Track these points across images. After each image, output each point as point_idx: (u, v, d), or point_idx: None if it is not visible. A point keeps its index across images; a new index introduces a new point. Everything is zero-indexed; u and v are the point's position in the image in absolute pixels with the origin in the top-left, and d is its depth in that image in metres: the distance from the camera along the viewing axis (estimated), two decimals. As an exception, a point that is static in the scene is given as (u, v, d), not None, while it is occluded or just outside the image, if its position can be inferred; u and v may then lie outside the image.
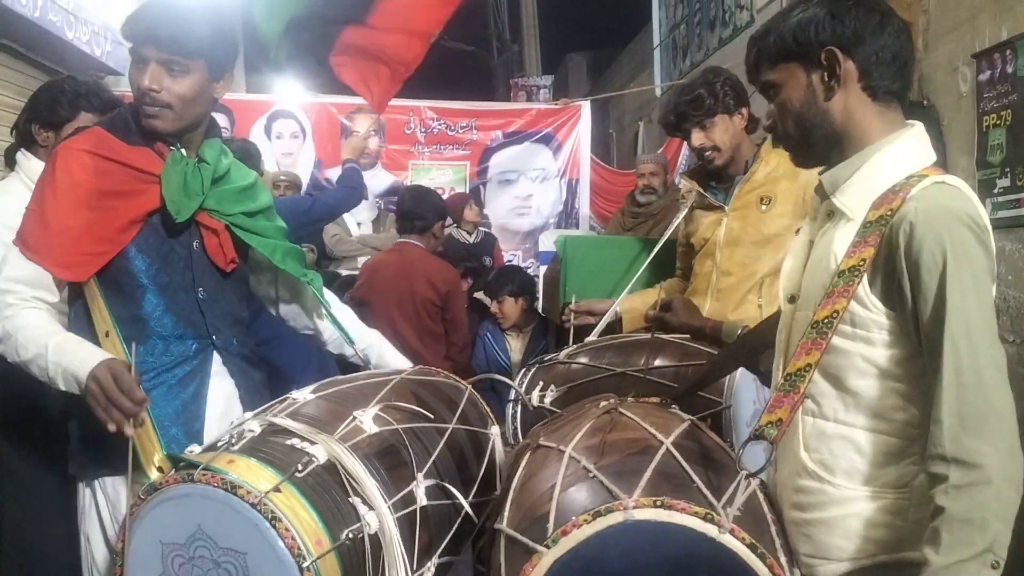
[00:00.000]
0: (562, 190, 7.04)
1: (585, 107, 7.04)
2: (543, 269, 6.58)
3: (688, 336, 2.08)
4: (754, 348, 1.55)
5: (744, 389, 1.96)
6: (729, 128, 2.54)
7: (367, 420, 1.54)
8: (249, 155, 3.30)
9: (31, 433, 1.92)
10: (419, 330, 3.57)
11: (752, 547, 1.03)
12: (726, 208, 2.60)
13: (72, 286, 1.73)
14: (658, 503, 1.04)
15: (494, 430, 1.93)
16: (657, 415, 1.43)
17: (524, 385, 2.23)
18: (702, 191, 2.67)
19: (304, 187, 5.99)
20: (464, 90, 11.89)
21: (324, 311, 2.04)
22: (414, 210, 3.81)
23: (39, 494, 1.94)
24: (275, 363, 2.43)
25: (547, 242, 6.65)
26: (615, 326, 2.67)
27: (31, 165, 2.10)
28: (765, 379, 1.58)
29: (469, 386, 1.98)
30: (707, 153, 2.56)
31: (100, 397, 1.43)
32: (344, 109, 6.79)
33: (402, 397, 1.70)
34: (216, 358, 1.83)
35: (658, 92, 10.00)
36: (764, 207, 2.56)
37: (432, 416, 1.68)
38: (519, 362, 4.17)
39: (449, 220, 6.22)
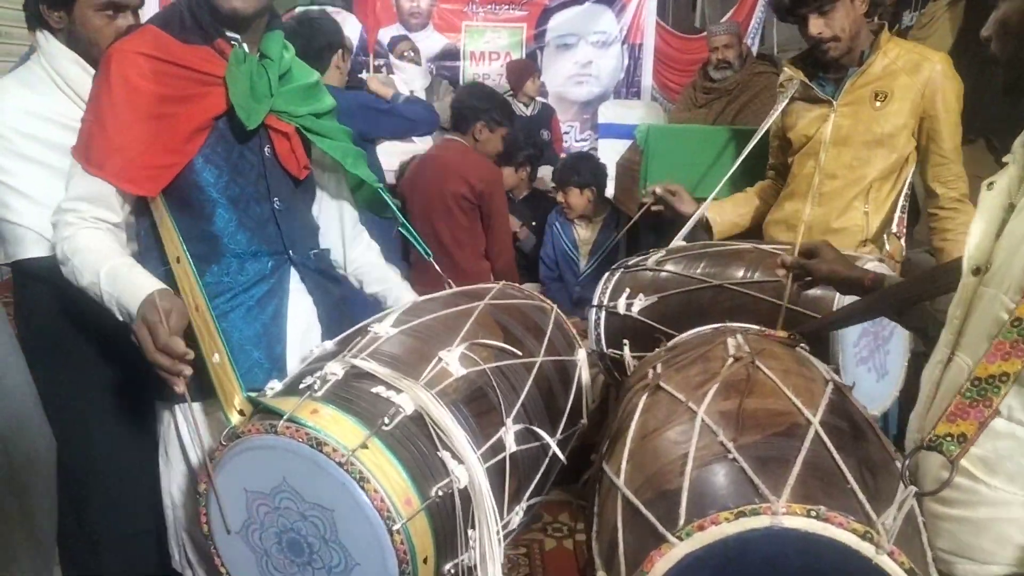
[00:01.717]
0: (623, 56, 6.65)
1: (653, -36, 6.53)
2: (601, 143, 6.37)
3: (788, 247, 1.91)
4: (908, 299, 1.35)
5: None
6: (850, 13, 2.23)
7: (453, 361, 1.43)
8: (321, 31, 3.00)
9: (105, 351, 1.83)
10: (452, 227, 3.42)
11: (911, 572, 0.91)
12: (834, 102, 2.34)
13: (138, 207, 1.60)
14: (812, 513, 0.92)
15: (580, 355, 1.82)
16: (796, 373, 1.28)
17: (609, 290, 2.10)
18: (807, 82, 2.40)
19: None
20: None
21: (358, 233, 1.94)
22: (457, 107, 3.57)
23: (114, 414, 1.87)
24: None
25: (607, 113, 6.37)
26: (697, 233, 2.48)
27: (51, 49, 1.82)
28: (919, 334, 1.41)
29: (555, 307, 1.85)
30: (825, 44, 2.27)
31: (147, 343, 1.31)
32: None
33: (488, 329, 1.58)
34: (294, 274, 1.71)
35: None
36: (879, 103, 2.29)
37: (519, 352, 1.56)
38: (588, 253, 4.03)
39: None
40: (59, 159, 1.69)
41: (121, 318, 1.42)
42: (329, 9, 6.25)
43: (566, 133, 6.57)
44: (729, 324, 1.62)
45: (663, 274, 2.04)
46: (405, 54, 5.64)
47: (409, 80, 5.59)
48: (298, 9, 3.62)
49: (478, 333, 1.54)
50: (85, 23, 1.80)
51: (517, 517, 1.48)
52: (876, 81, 2.29)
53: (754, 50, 6.03)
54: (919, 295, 1.32)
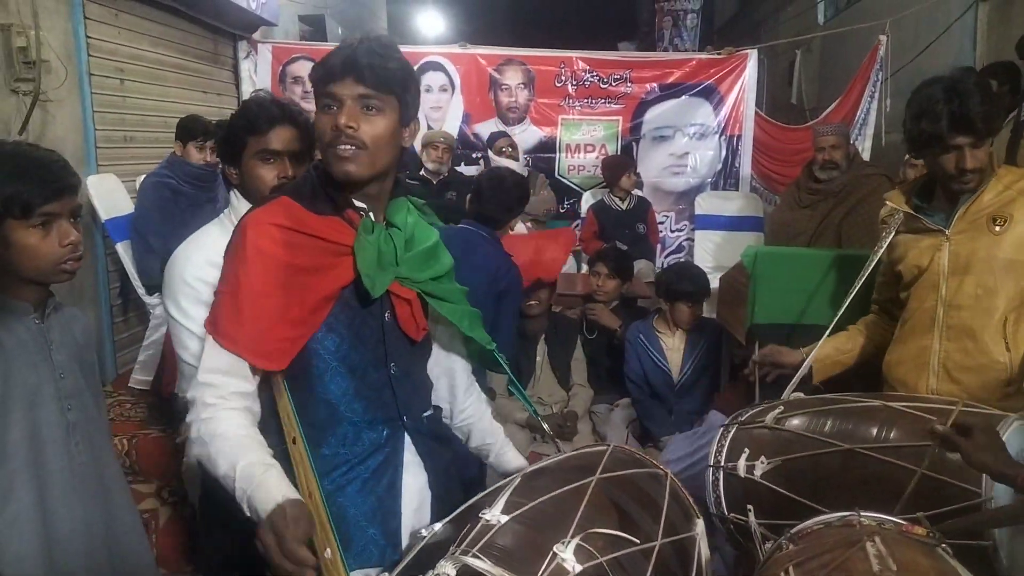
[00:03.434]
0: (721, 147, 6.58)
1: (752, 56, 6.47)
2: (697, 234, 6.29)
3: (925, 407, 1.78)
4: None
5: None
6: (989, 145, 2.14)
7: (569, 556, 1.35)
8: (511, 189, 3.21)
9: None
10: None
11: None
12: (946, 231, 2.22)
13: (260, 381, 1.59)
14: None
15: (699, 528, 1.71)
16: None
17: (725, 448, 1.99)
18: (913, 213, 2.29)
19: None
20: (604, 25, 11.37)
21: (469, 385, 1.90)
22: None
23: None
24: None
25: (704, 204, 6.31)
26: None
27: (237, 205, 1.99)
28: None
29: (669, 474, 1.77)
30: (968, 176, 2.16)
31: (272, 549, 1.29)
32: (493, 61, 6.55)
33: (602, 512, 1.51)
34: (408, 442, 1.68)
35: (820, 19, 9.16)
36: (998, 227, 2.17)
37: (636, 539, 1.48)
38: (680, 362, 3.88)
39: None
40: None
41: (249, 514, 1.40)
42: (433, 98, 6.51)
43: (661, 223, 6.51)
44: (861, 515, 1.50)
45: (785, 434, 1.92)
46: (504, 150, 5.71)
47: (506, 174, 5.66)
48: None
49: (593, 518, 1.47)
50: (251, 173, 1.96)
51: None
52: (991, 207, 2.17)
53: (867, 140, 5.89)
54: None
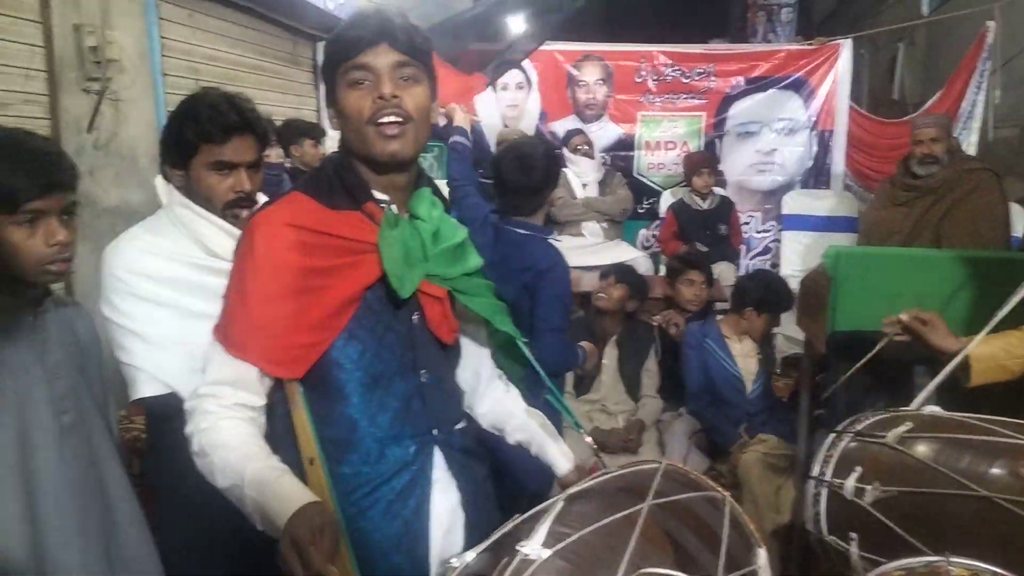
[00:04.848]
0: (811, 143, 6.23)
1: (845, 47, 6.11)
2: (785, 235, 5.97)
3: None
4: None
5: None
6: None
7: (615, 598, 1.18)
8: (538, 168, 2.73)
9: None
10: None
11: None
12: None
13: (273, 390, 1.46)
14: None
15: (761, 558, 1.50)
16: None
17: (833, 461, 1.71)
18: None
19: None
20: (692, 22, 10.99)
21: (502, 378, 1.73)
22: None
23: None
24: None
25: (792, 204, 5.98)
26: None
27: (173, 198, 1.87)
28: None
29: (728, 497, 1.56)
30: None
31: (295, 569, 1.16)
32: (571, 57, 6.37)
33: (655, 545, 1.32)
34: (438, 458, 1.52)
35: (924, 9, 8.62)
36: None
37: (693, 577, 1.29)
38: (752, 369, 3.62)
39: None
40: (176, 296, 1.76)
41: (261, 527, 1.28)
42: (510, 96, 6.38)
43: (746, 224, 6.20)
44: (951, 560, 1.27)
45: (909, 460, 1.61)
46: (579, 148, 5.54)
47: (582, 173, 5.49)
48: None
49: (646, 553, 1.28)
50: (200, 180, 1.81)
51: None
52: None
53: (972, 135, 5.48)
54: None
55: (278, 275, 1.38)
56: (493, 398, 1.73)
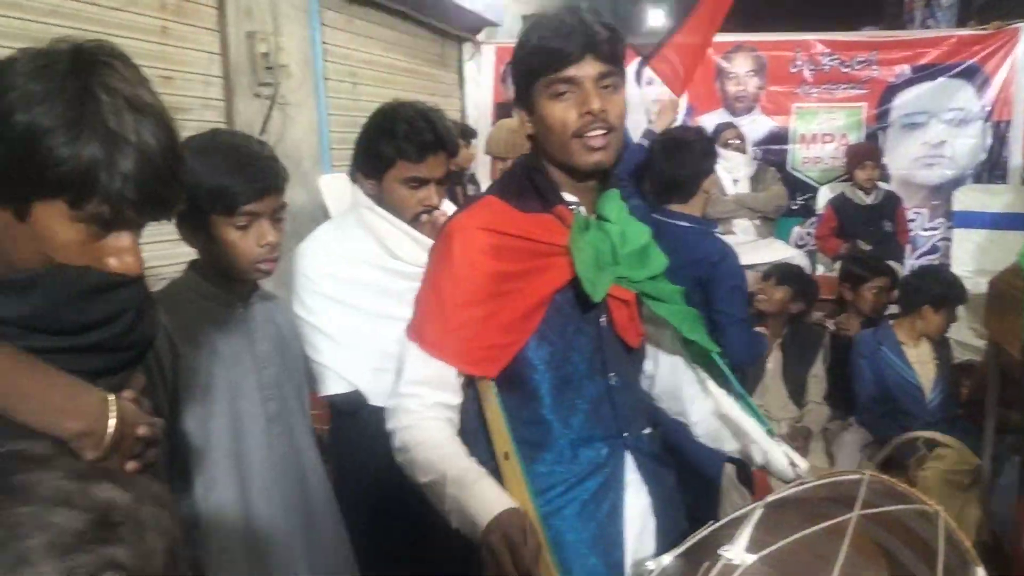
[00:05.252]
0: (986, 135, 5.81)
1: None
2: (955, 232, 5.58)
3: None
4: None
5: None
6: None
7: (829, 615, 1.10)
8: (691, 156, 2.69)
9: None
10: None
11: None
12: None
13: (466, 392, 1.48)
14: None
15: (979, 576, 1.39)
16: None
17: None
18: None
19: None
20: (844, 8, 10.47)
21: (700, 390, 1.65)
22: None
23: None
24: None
25: (964, 199, 5.59)
26: None
27: (363, 201, 1.96)
28: None
29: (940, 512, 1.45)
30: None
31: (506, 565, 1.17)
32: (720, 48, 6.18)
33: (867, 557, 1.25)
34: (629, 462, 1.50)
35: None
36: None
37: (912, 596, 1.20)
38: (933, 380, 3.38)
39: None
40: (362, 297, 1.86)
41: (456, 525, 1.31)
42: (656, 90, 6.24)
43: (912, 221, 5.84)
44: None
45: None
46: (730, 142, 5.37)
47: (733, 168, 5.31)
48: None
49: (858, 564, 1.20)
50: (391, 193, 1.88)
51: None
52: None
53: None
54: None
55: (474, 279, 1.41)
56: (706, 405, 1.67)
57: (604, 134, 1.39)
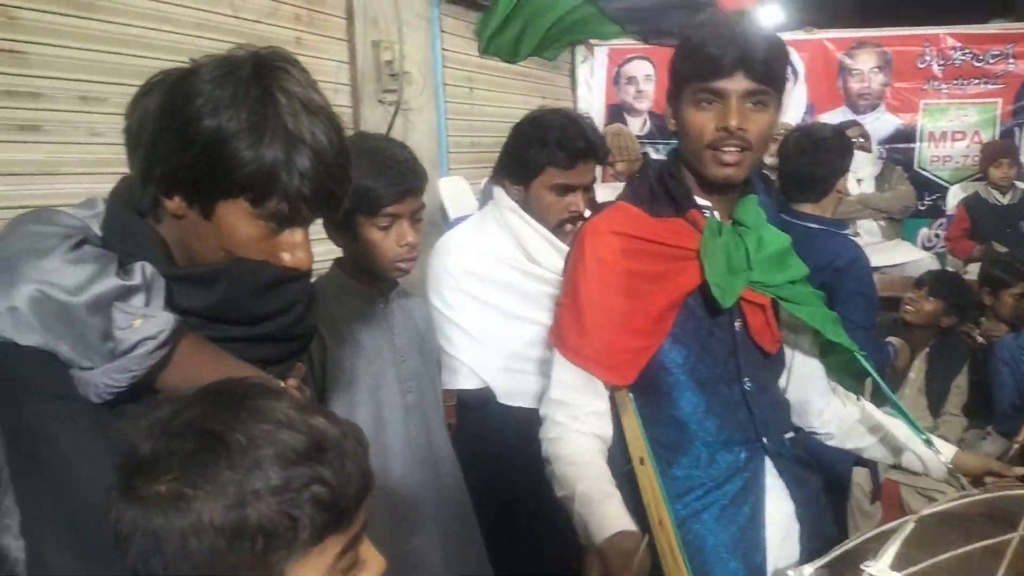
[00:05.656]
0: None
1: None
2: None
3: None
4: None
5: None
6: None
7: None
8: (828, 155, 2.62)
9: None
10: None
11: None
12: None
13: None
14: None
15: None
16: None
17: None
18: None
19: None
20: (972, 1, 9.90)
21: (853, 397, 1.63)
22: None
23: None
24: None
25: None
26: None
27: (504, 203, 1.99)
28: None
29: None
30: None
31: (616, 569, 1.17)
32: (843, 44, 5.99)
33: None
34: (769, 466, 1.48)
35: None
36: None
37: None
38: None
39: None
40: (499, 296, 1.90)
41: (583, 543, 1.31)
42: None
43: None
44: None
45: None
46: (855, 140, 5.18)
47: (858, 167, 5.11)
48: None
49: (1020, 586, 1.15)
50: (538, 199, 1.90)
51: None
52: None
53: None
54: None
55: (605, 278, 1.42)
56: (838, 416, 1.65)
57: (738, 151, 1.37)
